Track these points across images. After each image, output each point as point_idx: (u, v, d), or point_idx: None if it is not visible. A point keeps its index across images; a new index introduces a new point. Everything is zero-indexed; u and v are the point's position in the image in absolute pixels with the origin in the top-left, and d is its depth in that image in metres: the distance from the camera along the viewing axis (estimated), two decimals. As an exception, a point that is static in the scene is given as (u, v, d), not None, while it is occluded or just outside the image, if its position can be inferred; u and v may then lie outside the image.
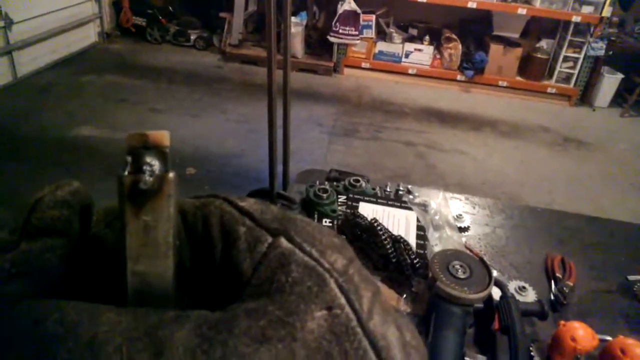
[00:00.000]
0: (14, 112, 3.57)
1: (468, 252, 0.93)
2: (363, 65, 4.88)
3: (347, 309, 0.24)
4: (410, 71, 4.86)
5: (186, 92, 4.17)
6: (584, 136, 4.28)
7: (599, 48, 4.56)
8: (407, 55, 4.86)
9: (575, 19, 4.49)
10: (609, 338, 0.81)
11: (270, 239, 0.26)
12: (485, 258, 0.88)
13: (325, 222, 1.10)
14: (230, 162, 3.25)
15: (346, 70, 4.92)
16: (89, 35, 4.98)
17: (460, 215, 1.17)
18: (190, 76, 4.51)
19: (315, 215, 1.12)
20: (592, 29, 4.54)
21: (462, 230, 1.14)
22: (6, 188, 2.69)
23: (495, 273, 0.85)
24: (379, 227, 0.96)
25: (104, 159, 3.11)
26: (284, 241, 0.26)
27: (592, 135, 4.31)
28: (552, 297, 0.95)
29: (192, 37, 5.15)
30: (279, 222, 0.27)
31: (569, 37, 4.65)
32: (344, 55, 4.86)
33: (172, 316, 0.22)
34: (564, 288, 0.95)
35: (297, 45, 4.72)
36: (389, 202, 1.14)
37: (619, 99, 4.95)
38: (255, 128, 3.68)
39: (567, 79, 4.85)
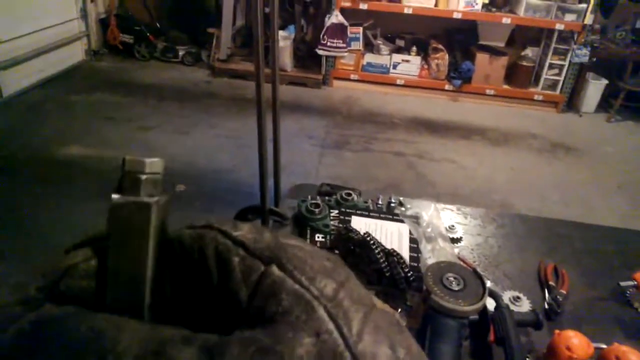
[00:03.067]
0: (1, 132, 3.54)
1: (461, 263, 0.93)
2: (352, 77, 4.92)
3: (335, 334, 0.25)
4: (398, 82, 4.90)
5: (175, 108, 4.16)
6: (571, 142, 4.33)
7: (583, 55, 4.64)
8: (395, 66, 4.90)
9: (559, 26, 4.57)
10: (604, 346, 0.81)
11: (262, 268, 0.27)
12: (478, 269, 0.88)
13: (318, 237, 1.10)
14: (222, 177, 3.23)
15: (335, 83, 4.95)
16: (76, 54, 4.97)
17: (453, 226, 1.17)
18: (179, 92, 4.51)
19: (308, 231, 1.11)
20: (575, 36, 4.63)
21: (454, 241, 1.15)
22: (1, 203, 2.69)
23: (489, 284, 0.85)
24: (372, 242, 0.96)
25: (94, 178, 3.08)
26: (275, 269, 0.27)
27: (579, 140, 4.37)
28: (546, 306, 0.95)
29: (180, 53, 5.16)
30: (271, 250, 0.28)
31: (553, 45, 4.73)
32: (333, 67, 4.89)
33: (182, 336, 0.25)
34: (558, 296, 0.95)
35: (286, 59, 4.75)
36: (381, 215, 1.14)
37: (604, 104, 5.02)
38: (246, 143, 3.67)
39: (553, 85, 4.92)
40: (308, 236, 1.10)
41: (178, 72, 5.01)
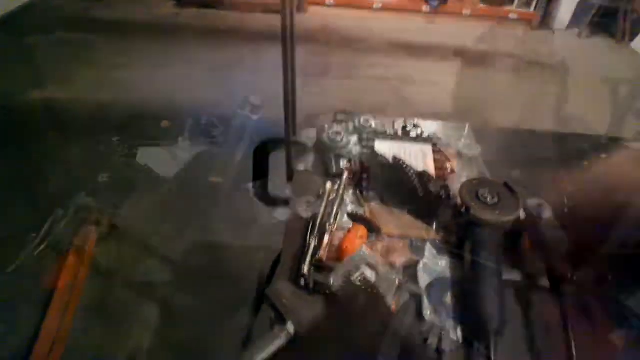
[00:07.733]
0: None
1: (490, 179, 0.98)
2: (327, 2, 4.72)
3: None
4: (375, 5, 4.74)
5: (145, 43, 3.94)
6: (546, 59, 4.38)
7: (558, -31, 4.57)
8: (370, -11, 4.72)
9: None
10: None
11: None
12: (508, 182, 0.93)
13: (343, 162, 1.11)
14: (206, 112, 3.16)
15: (311, 9, 4.75)
16: (27, -11, 4.55)
17: (469, 144, 1.20)
18: (146, 27, 4.24)
19: (332, 158, 1.13)
20: (550, -50, 4.53)
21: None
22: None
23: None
24: (404, 165, 0.99)
25: (72, 122, 2.96)
26: None
27: (553, 57, 4.42)
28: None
29: (141, -17, 4.79)
30: None
31: (528, -41, 4.63)
32: (307, -8, 4.67)
33: None
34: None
35: (256, -15, 4.50)
36: (404, 138, 1.16)
37: (576, 21, 5.05)
38: (226, 75, 3.56)
39: (527, 3, 4.88)
40: (333, 163, 1.12)
41: (140, 6, 4.68)
